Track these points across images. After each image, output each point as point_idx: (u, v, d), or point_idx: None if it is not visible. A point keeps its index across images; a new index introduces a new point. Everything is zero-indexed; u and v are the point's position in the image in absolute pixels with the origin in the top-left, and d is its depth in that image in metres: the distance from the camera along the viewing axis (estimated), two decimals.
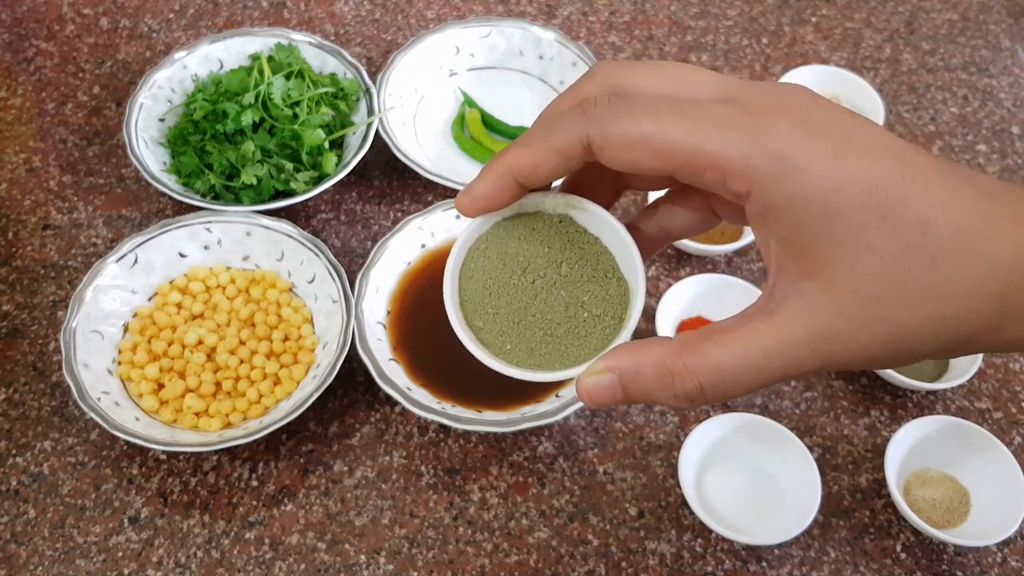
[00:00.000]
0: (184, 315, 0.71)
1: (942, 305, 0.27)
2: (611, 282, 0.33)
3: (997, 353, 0.71)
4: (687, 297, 0.72)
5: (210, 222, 0.72)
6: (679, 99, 0.29)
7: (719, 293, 0.72)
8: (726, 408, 0.69)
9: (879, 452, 0.67)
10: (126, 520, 0.63)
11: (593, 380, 0.30)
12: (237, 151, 0.75)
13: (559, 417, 0.63)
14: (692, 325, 0.71)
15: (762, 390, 0.26)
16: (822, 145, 0.27)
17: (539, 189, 0.33)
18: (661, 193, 0.36)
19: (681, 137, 0.28)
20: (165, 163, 0.78)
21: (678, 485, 0.63)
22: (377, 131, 0.79)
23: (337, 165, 0.77)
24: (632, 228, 0.34)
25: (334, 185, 0.78)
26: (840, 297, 0.27)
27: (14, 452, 0.65)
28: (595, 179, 0.34)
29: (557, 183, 0.34)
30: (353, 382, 0.69)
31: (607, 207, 0.33)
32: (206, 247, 0.73)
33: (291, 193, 0.75)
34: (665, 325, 0.70)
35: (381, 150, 0.81)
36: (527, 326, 0.33)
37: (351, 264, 0.75)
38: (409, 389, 0.65)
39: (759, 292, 0.71)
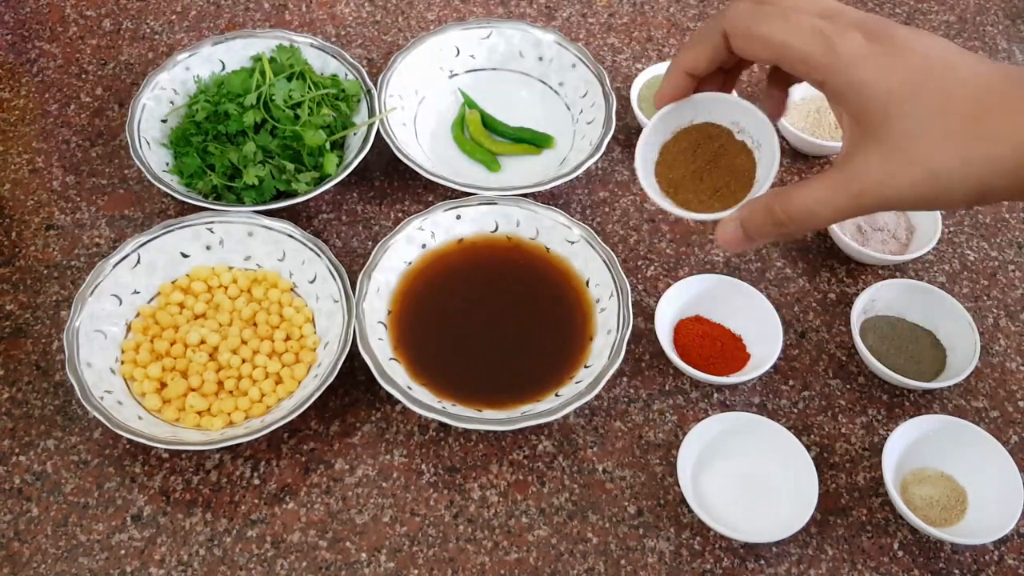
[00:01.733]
0: (186, 315, 0.71)
1: (967, 147, 0.35)
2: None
3: None
4: (687, 297, 0.72)
5: (212, 222, 0.73)
6: (796, 9, 0.39)
7: (719, 293, 0.72)
8: (724, 407, 0.69)
9: (876, 451, 0.68)
10: (129, 518, 0.63)
11: (723, 229, 0.43)
12: (239, 152, 0.76)
13: (559, 416, 0.63)
14: (691, 324, 0.72)
15: (841, 219, 0.40)
16: (878, 48, 0.37)
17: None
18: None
19: (785, 39, 0.39)
20: (167, 164, 0.79)
21: (677, 483, 0.64)
22: (378, 132, 0.79)
23: (338, 166, 0.77)
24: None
25: (335, 186, 0.79)
26: (884, 150, 0.37)
27: (17, 451, 0.66)
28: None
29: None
30: (354, 381, 0.70)
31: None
32: (208, 247, 0.73)
33: (292, 193, 0.76)
34: (664, 324, 0.71)
35: (382, 151, 0.82)
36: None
37: (352, 264, 0.76)
38: (410, 388, 0.65)
39: (758, 292, 0.72)
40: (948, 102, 0.36)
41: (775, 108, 0.47)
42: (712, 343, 0.70)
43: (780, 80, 0.46)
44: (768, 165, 0.45)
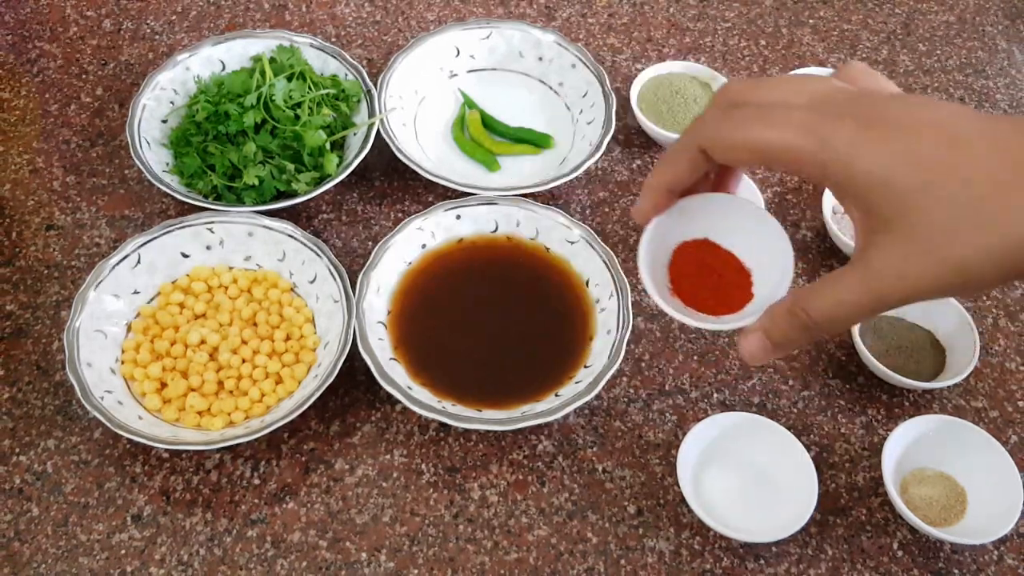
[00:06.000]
0: (187, 315, 0.71)
1: (992, 236, 0.33)
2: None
3: None
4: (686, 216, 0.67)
5: (212, 222, 0.73)
6: (773, 107, 0.37)
7: (723, 215, 0.67)
8: (724, 407, 0.69)
9: (876, 451, 0.68)
10: (129, 518, 0.63)
11: (747, 342, 0.41)
12: (239, 152, 0.76)
13: (558, 416, 0.63)
14: (694, 247, 0.62)
15: (869, 318, 0.41)
16: (874, 134, 0.35)
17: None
18: None
19: (768, 141, 0.37)
20: (168, 164, 0.79)
21: (676, 483, 0.64)
22: (378, 132, 0.79)
23: (338, 166, 0.78)
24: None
25: (335, 186, 0.79)
26: (902, 245, 0.35)
27: (18, 451, 0.66)
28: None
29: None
30: (354, 381, 0.70)
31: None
32: (208, 247, 0.73)
33: (293, 194, 0.76)
34: (662, 252, 0.63)
35: (382, 151, 0.82)
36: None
37: (352, 264, 0.76)
38: (410, 388, 0.65)
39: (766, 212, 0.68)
40: (966, 186, 0.33)
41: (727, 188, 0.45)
42: (711, 273, 0.63)
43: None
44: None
